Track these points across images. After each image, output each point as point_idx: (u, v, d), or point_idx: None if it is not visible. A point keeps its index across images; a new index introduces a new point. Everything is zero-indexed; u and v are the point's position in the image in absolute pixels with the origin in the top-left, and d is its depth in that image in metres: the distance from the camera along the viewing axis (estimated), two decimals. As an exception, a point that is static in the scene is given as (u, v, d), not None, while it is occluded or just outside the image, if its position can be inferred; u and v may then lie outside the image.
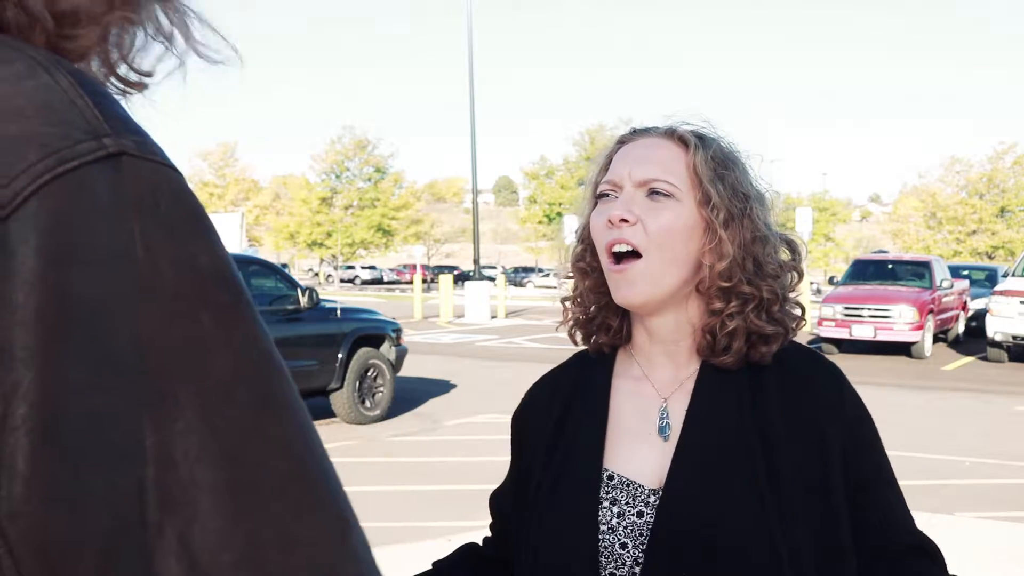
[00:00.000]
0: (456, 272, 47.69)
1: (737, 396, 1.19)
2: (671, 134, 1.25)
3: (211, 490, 0.37)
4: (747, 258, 1.20)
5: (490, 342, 17.20)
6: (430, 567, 1.35)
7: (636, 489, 1.18)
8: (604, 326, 1.29)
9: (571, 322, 1.32)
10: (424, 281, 29.22)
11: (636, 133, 1.29)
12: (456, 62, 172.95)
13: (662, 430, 1.21)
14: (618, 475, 1.20)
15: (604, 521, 1.17)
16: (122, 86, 0.51)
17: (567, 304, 1.33)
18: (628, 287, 1.18)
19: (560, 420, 1.27)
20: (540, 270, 56.93)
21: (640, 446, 1.21)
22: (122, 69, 0.50)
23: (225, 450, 0.37)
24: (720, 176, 1.20)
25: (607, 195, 1.24)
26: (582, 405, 1.27)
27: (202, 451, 0.37)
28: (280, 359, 0.42)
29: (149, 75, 0.51)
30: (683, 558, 1.12)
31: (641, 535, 1.16)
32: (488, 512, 1.39)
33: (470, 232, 36.95)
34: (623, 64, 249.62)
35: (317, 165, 45.66)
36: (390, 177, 46.05)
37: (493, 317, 23.03)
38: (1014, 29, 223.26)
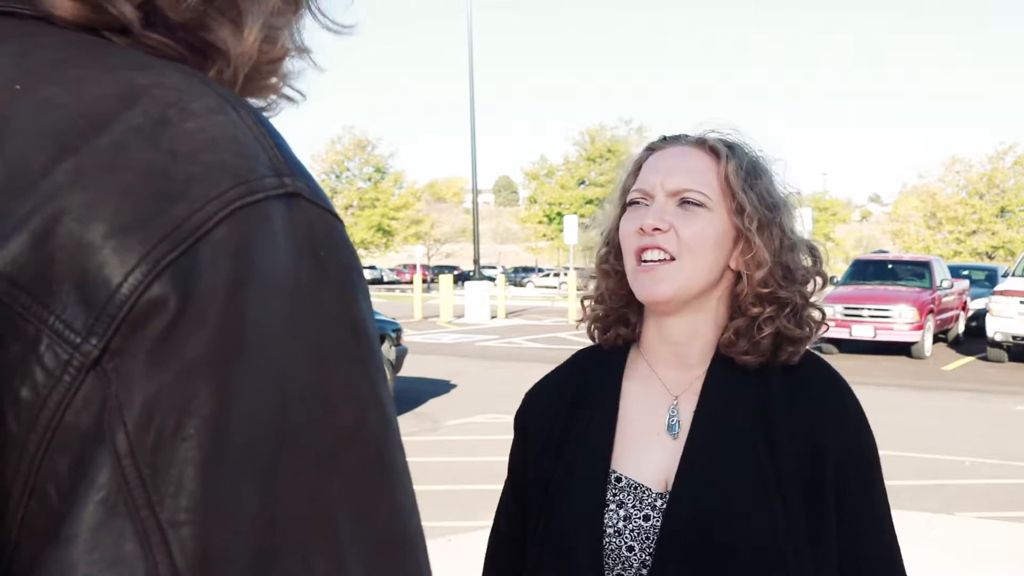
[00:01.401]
0: (456, 272, 47.65)
1: (744, 397, 1.21)
2: (702, 144, 1.27)
3: (323, 534, 0.39)
4: (778, 265, 1.22)
5: (490, 342, 17.20)
6: None
7: (643, 492, 1.19)
8: (623, 319, 1.31)
9: (590, 319, 1.35)
10: (424, 281, 29.22)
11: (666, 141, 1.31)
12: (456, 62, 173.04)
13: (671, 428, 1.22)
14: (626, 477, 1.21)
15: (611, 524, 1.18)
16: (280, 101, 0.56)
17: (586, 303, 1.36)
18: (654, 284, 1.20)
19: (568, 420, 1.27)
20: (540, 270, 56.93)
21: (649, 445, 1.22)
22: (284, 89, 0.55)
23: (338, 500, 0.39)
24: (751, 185, 1.23)
25: (638, 203, 1.26)
26: (591, 405, 1.27)
27: (319, 495, 0.39)
28: (396, 424, 0.43)
29: (302, 94, 0.56)
30: (690, 562, 1.13)
31: (647, 538, 1.16)
32: (484, 513, 1.39)
33: (470, 232, 36.98)
34: (623, 64, 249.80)
35: (317, 165, 45.62)
36: (390, 177, 46.02)
37: (493, 317, 23.02)
38: (1014, 29, 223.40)
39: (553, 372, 1.38)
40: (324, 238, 0.42)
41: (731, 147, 1.26)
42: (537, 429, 1.30)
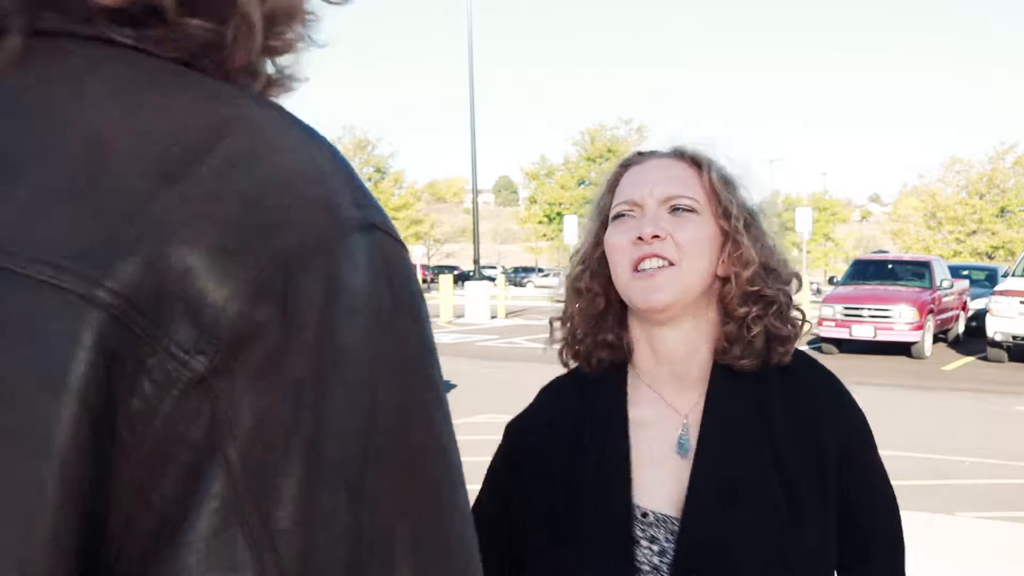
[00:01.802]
0: (456, 272, 47.59)
1: (746, 409, 1.21)
2: (681, 155, 1.28)
3: (403, 541, 0.42)
4: (762, 264, 1.24)
5: (490, 342, 17.21)
6: None
7: (672, 523, 1.17)
8: (602, 343, 1.28)
9: (561, 342, 1.31)
10: (424, 281, 29.23)
11: (642, 155, 1.31)
12: (456, 62, 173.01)
13: (681, 447, 1.21)
14: (652, 512, 1.18)
15: (645, 560, 1.16)
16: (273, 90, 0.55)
17: (556, 324, 1.33)
18: (653, 291, 1.19)
19: (573, 454, 1.23)
20: (540, 270, 56.89)
21: (667, 473, 1.20)
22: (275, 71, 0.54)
23: (416, 510, 0.43)
24: (732, 190, 1.25)
25: (624, 215, 1.25)
26: (599, 440, 1.23)
27: (399, 506, 0.42)
28: (456, 442, 0.47)
29: (301, 79, 0.55)
30: None
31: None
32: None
33: (470, 232, 36.92)
34: (623, 64, 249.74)
35: (317, 165, 45.47)
36: (390, 177, 46.02)
37: (493, 317, 23.03)
38: (1014, 29, 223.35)
39: (535, 406, 1.33)
40: (397, 267, 0.45)
41: (709, 156, 1.28)
42: (540, 472, 1.25)
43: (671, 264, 1.20)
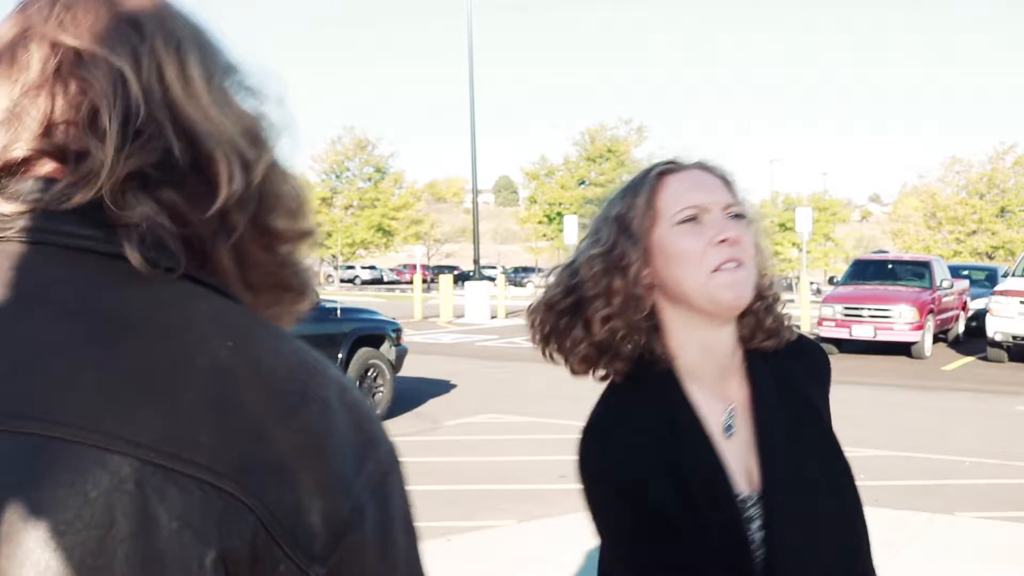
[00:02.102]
0: (456, 272, 47.56)
1: (777, 383, 1.34)
2: (708, 168, 1.36)
3: None
4: (770, 271, 1.38)
5: (490, 342, 17.20)
6: None
7: (750, 499, 1.26)
8: (617, 354, 1.31)
9: (611, 335, 1.31)
10: (424, 281, 29.21)
11: (677, 164, 1.36)
12: (456, 62, 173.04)
13: (728, 428, 1.29)
14: (743, 495, 1.26)
15: (752, 538, 1.24)
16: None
17: (599, 317, 1.31)
18: (740, 288, 1.27)
19: (671, 467, 1.24)
20: (540, 270, 56.75)
21: (732, 455, 1.28)
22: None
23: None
24: (746, 202, 1.36)
25: (693, 219, 1.29)
26: (682, 441, 1.26)
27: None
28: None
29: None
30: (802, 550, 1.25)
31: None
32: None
33: (470, 232, 36.84)
34: (623, 64, 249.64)
35: (317, 165, 45.47)
36: (390, 177, 45.95)
37: (493, 317, 23.01)
38: (1014, 29, 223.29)
39: (614, 421, 1.30)
40: (404, 482, 0.62)
41: (730, 171, 1.37)
42: (648, 484, 1.24)
43: (741, 264, 1.27)
